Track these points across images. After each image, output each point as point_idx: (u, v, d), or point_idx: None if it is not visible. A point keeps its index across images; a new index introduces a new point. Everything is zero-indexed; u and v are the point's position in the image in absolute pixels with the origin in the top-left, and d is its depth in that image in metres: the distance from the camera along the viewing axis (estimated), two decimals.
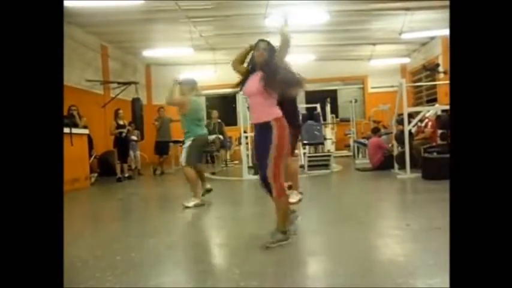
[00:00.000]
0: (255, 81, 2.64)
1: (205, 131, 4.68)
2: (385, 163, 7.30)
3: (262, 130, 2.64)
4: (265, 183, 2.66)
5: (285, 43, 2.57)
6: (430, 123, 7.19)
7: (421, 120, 7.16)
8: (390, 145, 7.75)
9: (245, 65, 2.84)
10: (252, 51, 2.78)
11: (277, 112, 2.65)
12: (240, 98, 8.22)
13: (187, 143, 4.39)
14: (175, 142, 8.77)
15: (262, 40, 2.73)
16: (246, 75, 2.79)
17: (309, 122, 9.07)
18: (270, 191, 2.65)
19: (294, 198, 3.84)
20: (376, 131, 8.28)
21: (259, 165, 2.76)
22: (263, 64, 2.65)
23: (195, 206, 4.29)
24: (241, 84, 2.81)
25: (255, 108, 2.71)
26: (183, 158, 4.43)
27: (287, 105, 3.43)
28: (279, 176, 2.57)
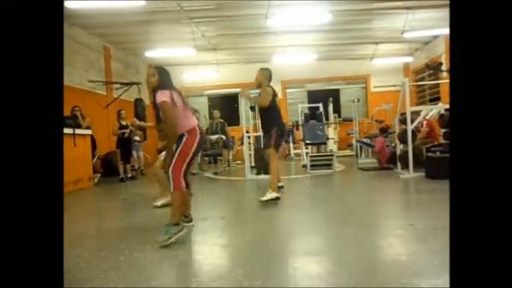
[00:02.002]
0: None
1: None
2: (391, 161, 7.35)
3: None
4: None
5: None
6: (425, 123, 7.27)
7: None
8: (393, 144, 7.74)
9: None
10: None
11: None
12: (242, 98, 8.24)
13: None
14: None
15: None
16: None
17: (312, 121, 9.08)
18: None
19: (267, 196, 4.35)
20: (383, 131, 8.33)
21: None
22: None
23: (163, 205, 4.39)
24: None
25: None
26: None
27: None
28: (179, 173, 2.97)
